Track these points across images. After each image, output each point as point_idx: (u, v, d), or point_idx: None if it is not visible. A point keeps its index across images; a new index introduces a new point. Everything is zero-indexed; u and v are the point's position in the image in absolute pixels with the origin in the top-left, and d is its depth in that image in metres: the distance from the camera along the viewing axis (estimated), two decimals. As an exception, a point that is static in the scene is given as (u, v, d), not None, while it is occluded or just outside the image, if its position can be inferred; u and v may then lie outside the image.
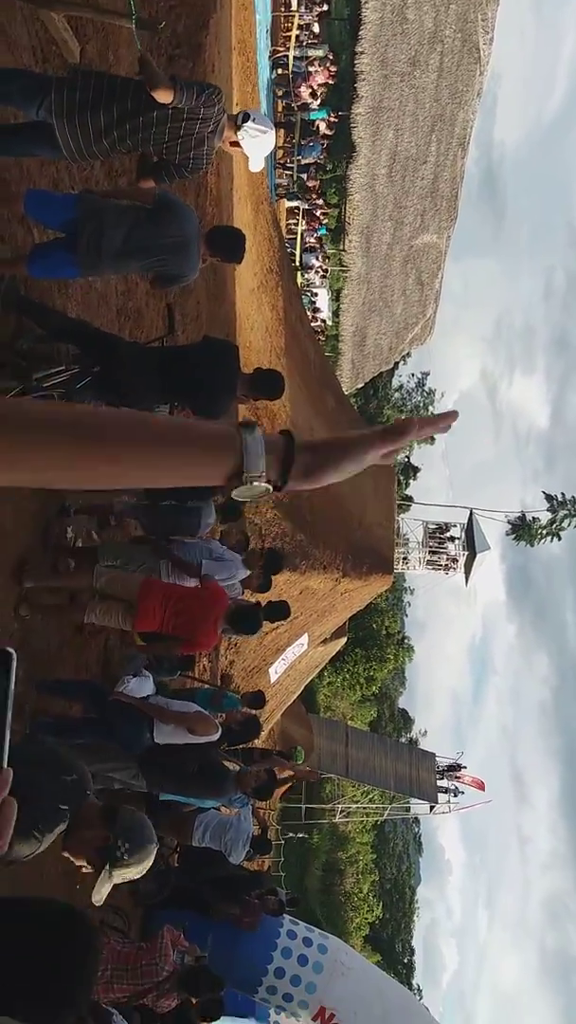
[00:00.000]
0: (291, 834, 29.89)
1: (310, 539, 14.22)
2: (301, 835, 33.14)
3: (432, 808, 26.84)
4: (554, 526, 29.69)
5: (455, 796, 26.39)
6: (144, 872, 2.84)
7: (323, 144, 30.30)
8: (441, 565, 28.58)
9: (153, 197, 4.07)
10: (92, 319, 6.00)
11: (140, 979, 5.59)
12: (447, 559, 28.53)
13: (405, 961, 50.62)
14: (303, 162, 30.74)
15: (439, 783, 25.97)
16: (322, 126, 29.81)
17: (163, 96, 3.45)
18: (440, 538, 28.88)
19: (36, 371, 4.36)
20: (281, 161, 29.96)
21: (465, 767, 26.88)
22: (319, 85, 28.85)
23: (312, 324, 27.09)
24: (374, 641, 39.46)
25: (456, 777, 26.43)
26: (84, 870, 2.69)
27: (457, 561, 28.18)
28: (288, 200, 30.59)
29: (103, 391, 4.61)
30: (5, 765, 0.90)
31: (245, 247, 4.60)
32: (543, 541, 30.18)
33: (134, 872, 2.77)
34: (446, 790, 26.22)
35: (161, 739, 5.24)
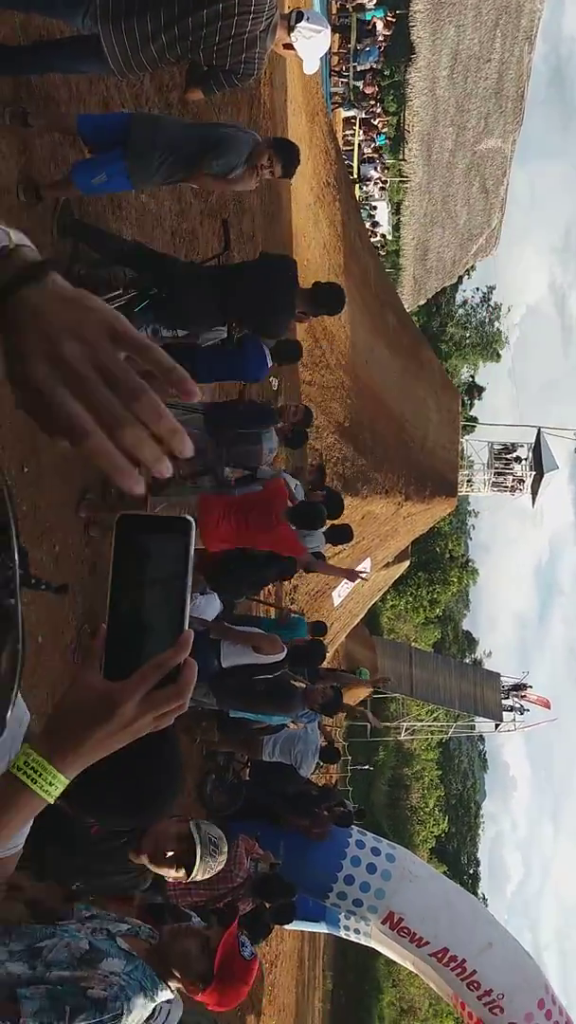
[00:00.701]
0: (357, 765, 30.66)
1: (371, 463, 14.13)
2: (367, 767, 33.98)
3: (497, 726, 27.14)
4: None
5: (520, 714, 26.62)
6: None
7: (380, 47, 28.80)
8: (507, 487, 28.17)
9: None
10: (148, 241, 5.93)
11: (216, 885, 5.87)
12: (513, 480, 28.10)
13: (471, 872, 52.05)
14: (359, 68, 29.34)
15: (504, 702, 26.18)
16: (379, 26, 28.27)
17: None
18: (506, 459, 28.39)
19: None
20: (336, 68, 28.65)
21: (531, 686, 26.99)
22: (376, -19, 27.33)
23: (372, 239, 26.31)
24: (437, 564, 39.40)
25: (521, 696, 26.59)
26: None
27: (524, 482, 27.72)
28: (344, 109, 29.36)
29: (161, 315, 4.58)
30: (187, 628, 0.96)
31: (299, 160, 4.45)
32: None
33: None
34: (511, 708, 26.44)
35: (228, 662, 5.37)
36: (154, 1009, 3.07)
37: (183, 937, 2.89)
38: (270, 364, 5.54)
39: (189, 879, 3.18)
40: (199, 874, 3.24)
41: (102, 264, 4.62)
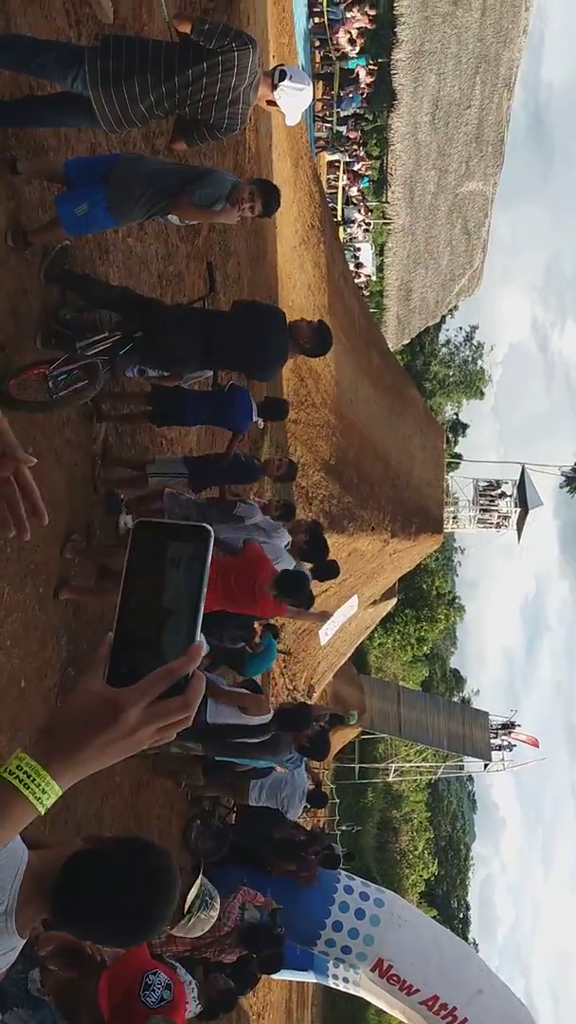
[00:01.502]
0: (345, 827, 30.15)
1: (357, 501, 14.16)
2: (356, 828, 33.41)
3: (486, 766, 26.91)
4: (611, 477, 29.17)
5: (509, 751, 26.43)
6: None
7: (363, 94, 29.51)
8: (492, 523, 28.26)
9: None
10: (134, 284, 5.98)
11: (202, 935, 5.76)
12: (498, 517, 28.20)
13: (461, 917, 51.16)
14: (343, 114, 30.01)
15: (493, 741, 26.01)
16: (362, 74, 29.00)
17: (183, 27, 3.44)
18: (491, 496, 28.51)
19: (79, 340, 4.38)
20: (320, 114, 29.30)
21: (519, 725, 26.85)
22: (357, 31, 28.02)
23: (356, 280, 26.67)
24: (424, 601, 39.32)
25: (510, 735, 26.42)
26: None
27: (508, 518, 27.83)
28: (328, 153, 29.96)
29: (146, 356, 4.61)
30: (198, 639, 0.93)
31: (279, 200, 4.52)
32: (599, 492, 29.68)
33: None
34: (500, 747, 26.26)
35: (214, 719, 5.32)
36: None
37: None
38: (255, 417, 5.61)
39: (179, 935, 3.11)
40: (193, 930, 3.16)
41: (88, 309, 4.66)
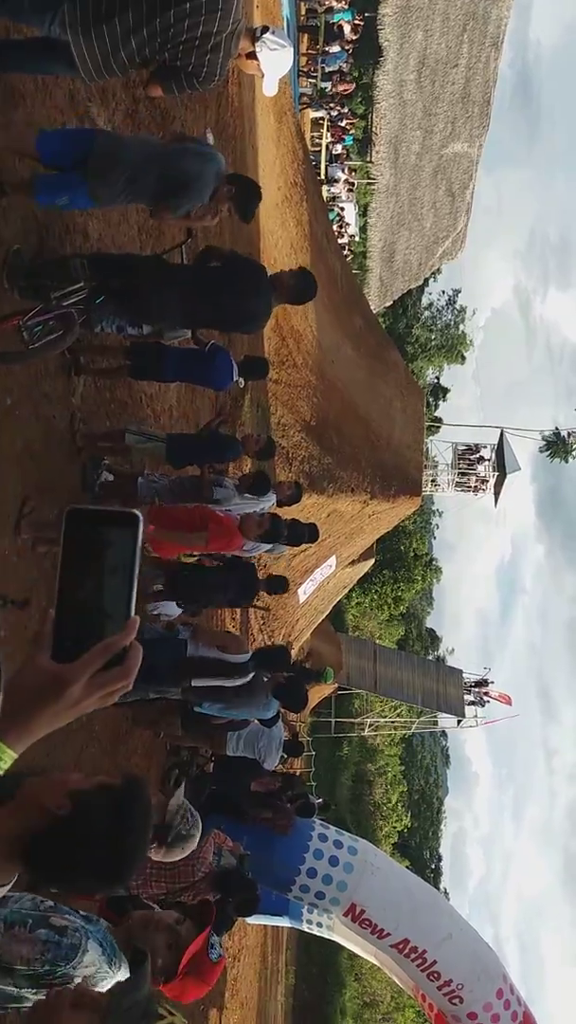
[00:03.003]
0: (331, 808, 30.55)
1: (337, 462, 14.22)
2: (333, 806, 33.89)
3: (459, 722, 27.46)
4: (591, 442, 29.43)
5: (481, 707, 26.99)
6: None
7: (348, 50, 28.93)
8: (470, 487, 28.45)
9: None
10: (113, 236, 5.94)
11: (176, 879, 5.91)
12: (476, 480, 28.38)
13: (433, 868, 52.51)
14: (327, 70, 29.44)
15: (466, 698, 26.51)
16: (347, 28, 28.40)
17: None
18: (469, 459, 28.66)
19: (54, 290, 4.32)
20: (305, 69, 28.72)
21: (492, 682, 27.35)
22: (344, -17, 27.43)
23: (340, 240, 26.42)
24: (402, 563, 39.71)
25: (483, 692, 26.93)
26: None
27: (486, 482, 28.02)
28: (313, 110, 29.44)
29: (122, 307, 4.57)
30: (133, 614, 1.04)
31: (257, 202, 4.51)
32: (579, 456, 29.95)
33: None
34: (472, 703, 26.79)
35: (193, 653, 5.45)
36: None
37: (154, 931, 2.91)
38: (236, 377, 5.63)
39: (158, 858, 3.21)
40: (173, 851, 3.25)
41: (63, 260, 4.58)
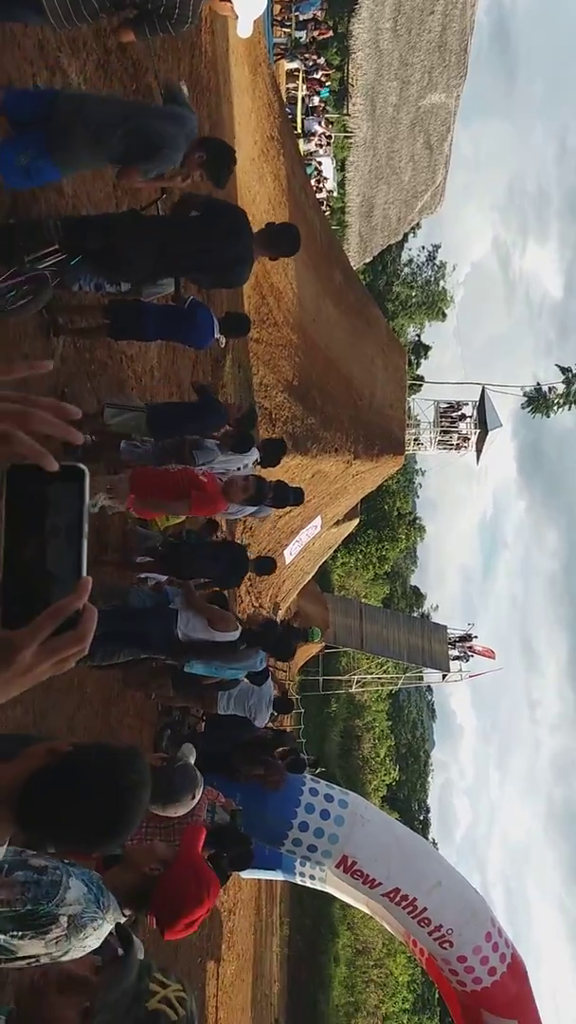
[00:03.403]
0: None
1: (321, 422, 14.17)
2: (323, 768, 34.33)
3: (444, 676, 27.86)
4: (571, 396, 29.43)
5: (466, 661, 27.38)
6: None
7: (322, -4, 28.24)
8: (452, 445, 28.51)
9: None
10: (88, 192, 5.81)
11: (172, 837, 6.00)
12: (459, 438, 28.44)
13: (421, 819, 53.68)
14: (301, 18, 28.71)
15: (451, 652, 26.87)
16: (321, -26, 27.69)
17: None
18: (451, 417, 28.68)
19: (28, 252, 4.22)
20: (278, 17, 27.99)
21: (476, 637, 27.72)
22: None
23: (319, 194, 26.02)
24: (386, 522, 39.91)
25: (468, 647, 27.30)
26: None
27: (468, 440, 28.09)
28: (287, 61, 28.77)
29: (98, 266, 4.48)
30: (84, 574, 0.97)
31: (231, 169, 4.39)
32: (560, 411, 29.97)
33: None
34: (457, 658, 27.17)
35: (184, 630, 5.45)
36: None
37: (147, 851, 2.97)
38: (217, 334, 5.54)
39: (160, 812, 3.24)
40: (173, 810, 3.29)
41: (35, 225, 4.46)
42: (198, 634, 5.58)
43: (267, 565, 7.29)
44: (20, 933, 2.03)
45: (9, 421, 0.97)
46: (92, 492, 5.18)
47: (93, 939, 2.21)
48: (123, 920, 2.47)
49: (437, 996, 29.71)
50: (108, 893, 2.35)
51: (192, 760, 3.71)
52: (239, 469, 6.15)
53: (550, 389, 29.72)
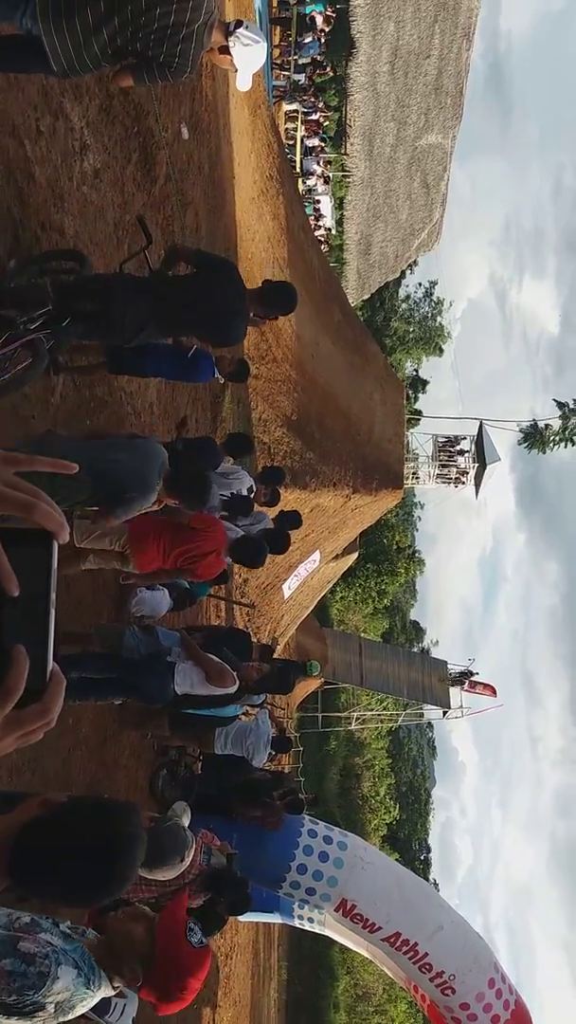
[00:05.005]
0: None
1: (319, 456, 14.20)
2: (321, 805, 34.16)
3: (445, 713, 27.58)
4: (567, 432, 29.52)
5: (467, 692, 27.12)
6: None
7: (320, 40, 28.85)
8: (451, 479, 28.54)
9: None
10: (90, 233, 5.87)
11: (167, 882, 5.88)
12: (457, 472, 28.48)
13: (422, 859, 52.86)
14: (300, 62, 29.34)
15: (452, 691, 26.62)
16: (318, 20, 28.32)
17: None
18: (450, 451, 28.75)
19: (21, 316, 4.19)
20: (278, 61, 28.61)
21: (477, 673, 27.49)
22: (315, -25, 27.35)
23: (316, 232, 26.35)
24: (385, 556, 39.83)
25: (468, 684, 27.06)
26: None
27: (467, 474, 28.13)
28: (286, 103, 29.34)
29: (92, 328, 4.46)
30: (51, 650, 0.90)
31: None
32: (556, 448, 30.05)
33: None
34: (457, 683, 26.94)
35: (180, 690, 5.39)
36: (109, 1004, 3.03)
37: (129, 919, 2.89)
38: (216, 374, 5.60)
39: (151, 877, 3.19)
40: (167, 873, 3.24)
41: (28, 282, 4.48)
42: (196, 691, 5.52)
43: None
44: (6, 1018, 1.99)
45: (11, 506, 0.89)
46: (82, 558, 5.08)
47: (80, 1008, 2.17)
48: (112, 994, 2.41)
49: (439, 1042, 29.04)
50: (97, 969, 2.30)
51: (186, 821, 3.62)
52: (249, 490, 6.22)
53: (546, 426, 29.86)
